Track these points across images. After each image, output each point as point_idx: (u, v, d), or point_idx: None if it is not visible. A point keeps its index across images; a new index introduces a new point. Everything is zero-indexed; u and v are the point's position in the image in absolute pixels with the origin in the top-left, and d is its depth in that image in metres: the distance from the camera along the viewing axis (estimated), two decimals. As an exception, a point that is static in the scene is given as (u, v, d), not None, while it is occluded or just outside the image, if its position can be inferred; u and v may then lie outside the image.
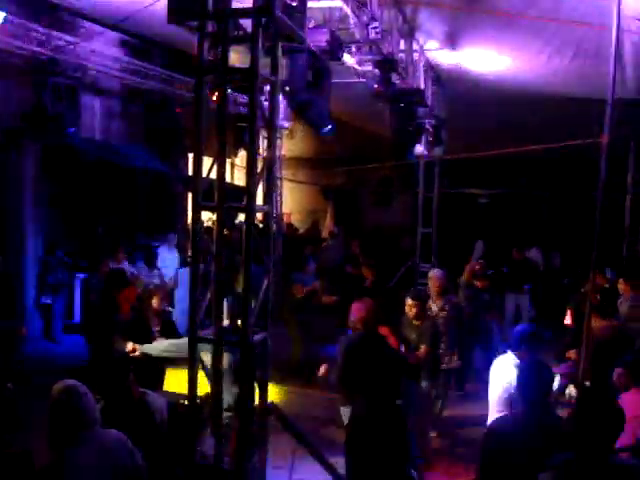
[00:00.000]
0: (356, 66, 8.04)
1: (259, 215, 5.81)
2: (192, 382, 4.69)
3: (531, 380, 4.49)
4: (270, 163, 4.76)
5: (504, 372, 5.61)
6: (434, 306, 8.22)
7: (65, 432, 3.52)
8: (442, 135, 11.01)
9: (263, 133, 6.31)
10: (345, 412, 6.28)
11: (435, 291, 8.31)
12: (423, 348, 7.08)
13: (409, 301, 7.31)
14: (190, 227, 13.41)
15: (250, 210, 4.42)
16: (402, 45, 8.61)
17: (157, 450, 4.33)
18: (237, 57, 4.78)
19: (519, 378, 4.61)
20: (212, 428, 4.83)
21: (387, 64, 7.47)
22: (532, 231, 16.40)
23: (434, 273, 8.63)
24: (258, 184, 4.64)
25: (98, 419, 3.70)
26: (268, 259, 4.80)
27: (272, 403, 5.00)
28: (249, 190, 4.38)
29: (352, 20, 6.83)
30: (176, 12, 4.38)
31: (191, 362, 4.69)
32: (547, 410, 4.46)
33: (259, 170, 4.72)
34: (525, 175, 16.83)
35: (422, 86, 9.68)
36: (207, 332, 4.86)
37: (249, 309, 4.53)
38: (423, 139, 10.10)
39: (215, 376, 4.64)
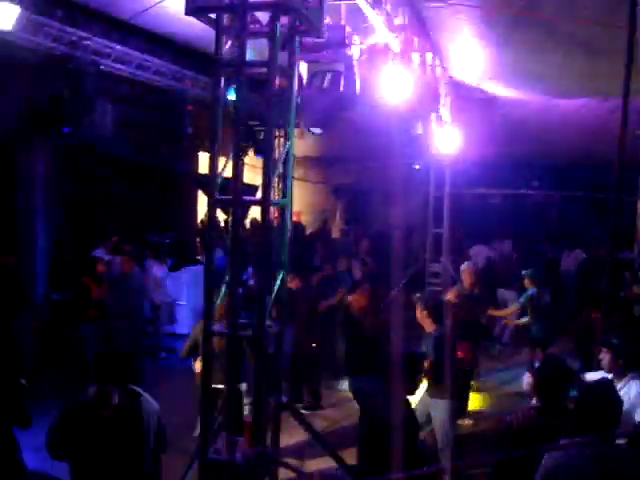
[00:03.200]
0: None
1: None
2: (206, 375, 4.69)
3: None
4: (286, 158, 4.74)
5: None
6: None
7: None
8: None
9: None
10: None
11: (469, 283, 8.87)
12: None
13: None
14: (202, 224, 13.42)
15: (266, 203, 4.39)
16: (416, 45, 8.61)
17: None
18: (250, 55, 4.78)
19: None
20: (225, 423, 4.83)
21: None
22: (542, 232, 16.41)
23: (467, 266, 9.23)
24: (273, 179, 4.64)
25: None
26: (284, 253, 4.79)
27: (286, 398, 4.99)
28: (265, 183, 4.36)
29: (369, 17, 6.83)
30: (194, 4, 4.38)
31: (206, 356, 4.68)
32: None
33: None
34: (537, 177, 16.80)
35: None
36: (219, 327, 4.87)
37: (264, 302, 4.52)
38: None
39: (230, 370, 4.64)
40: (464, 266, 9.46)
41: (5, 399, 4.76)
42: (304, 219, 17.49)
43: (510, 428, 4.58)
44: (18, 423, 4.94)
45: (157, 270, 11.07)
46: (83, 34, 8.66)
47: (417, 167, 11.87)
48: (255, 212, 14.66)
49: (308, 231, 17.18)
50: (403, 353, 5.18)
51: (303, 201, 17.23)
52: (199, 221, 15.83)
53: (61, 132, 9.72)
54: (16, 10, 7.01)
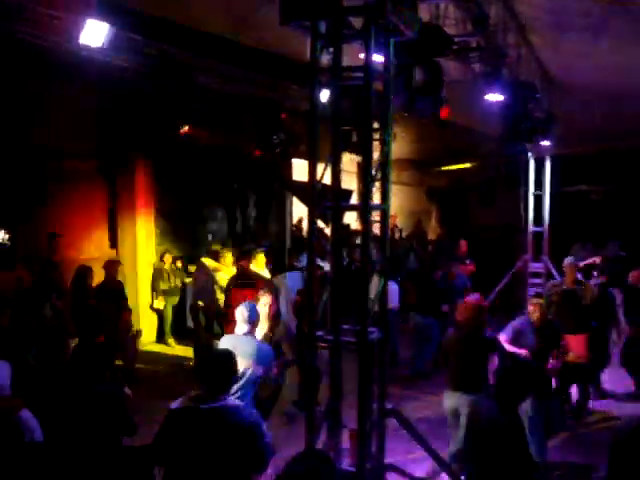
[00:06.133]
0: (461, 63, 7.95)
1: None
2: (309, 381, 4.70)
3: None
4: (385, 162, 4.71)
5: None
6: None
7: None
8: (552, 130, 10.68)
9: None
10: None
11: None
12: None
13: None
14: (299, 230, 13.40)
15: (366, 209, 4.37)
16: (510, 40, 8.42)
17: None
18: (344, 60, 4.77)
19: None
20: (330, 428, 4.83)
21: (496, 57, 7.28)
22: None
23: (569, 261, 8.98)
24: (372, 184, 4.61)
25: None
26: (385, 258, 4.75)
27: (393, 405, 4.94)
28: (366, 189, 4.34)
29: (459, 15, 6.74)
30: (289, 13, 4.40)
31: (310, 362, 4.69)
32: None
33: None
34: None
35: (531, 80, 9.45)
36: (321, 333, 4.86)
37: (367, 308, 4.49)
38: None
39: (334, 375, 4.63)
40: (567, 261, 9.20)
41: (110, 409, 4.85)
42: (398, 222, 17.38)
43: (620, 434, 4.39)
44: (124, 432, 5.04)
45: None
46: (173, 49, 8.80)
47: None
48: (348, 217, 14.69)
49: (404, 234, 17.07)
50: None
51: (397, 204, 17.13)
52: (292, 227, 15.96)
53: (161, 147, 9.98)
54: (105, 27, 7.10)
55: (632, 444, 4.19)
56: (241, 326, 5.88)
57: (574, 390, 8.20)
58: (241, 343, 5.12)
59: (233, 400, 4.29)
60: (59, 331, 5.79)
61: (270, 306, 6.35)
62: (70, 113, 10.02)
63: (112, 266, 9.25)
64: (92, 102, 10.43)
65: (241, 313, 5.96)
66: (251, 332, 5.84)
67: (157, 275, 11.89)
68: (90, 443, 4.63)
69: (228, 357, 4.38)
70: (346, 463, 4.85)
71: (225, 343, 5.64)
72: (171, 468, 4.28)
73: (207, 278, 10.04)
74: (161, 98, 8.96)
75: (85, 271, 8.68)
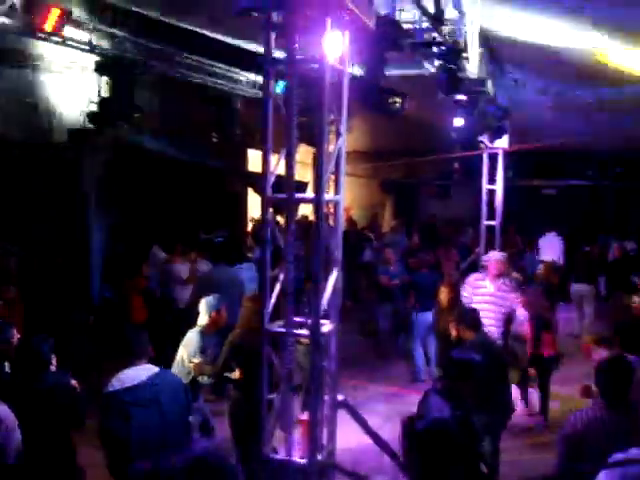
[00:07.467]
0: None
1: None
2: (264, 375, 4.68)
3: (611, 377, 4.38)
4: (339, 154, 4.70)
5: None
6: (492, 286, 8.12)
7: None
8: (505, 125, 10.77)
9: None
10: None
11: (493, 273, 8.21)
12: None
13: None
14: (253, 222, 13.36)
15: (320, 201, 4.36)
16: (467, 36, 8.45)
17: None
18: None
19: (600, 374, 4.49)
20: (282, 422, 4.83)
21: (453, 52, 7.31)
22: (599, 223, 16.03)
23: (493, 256, 8.60)
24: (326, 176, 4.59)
25: None
26: (338, 251, 4.74)
27: (342, 397, 4.95)
28: (319, 181, 4.32)
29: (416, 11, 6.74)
30: (241, 4, 4.35)
31: (263, 356, 4.67)
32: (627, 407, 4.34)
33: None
34: (592, 166, 16.41)
35: (483, 75, 9.49)
36: (274, 325, 4.84)
37: (318, 301, 4.48)
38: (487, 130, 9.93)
39: (286, 369, 4.62)
40: (492, 255, 8.86)
41: (56, 401, 4.76)
42: (354, 214, 17.43)
43: (575, 428, 4.44)
44: (71, 425, 4.95)
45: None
46: (130, 36, 8.65)
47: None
48: (303, 209, 14.67)
49: (359, 226, 17.13)
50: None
51: (352, 196, 17.18)
52: (249, 219, 15.85)
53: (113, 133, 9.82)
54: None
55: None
56: (202, 317, 6.36)
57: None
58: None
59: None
60: (4, 322, 5.66)
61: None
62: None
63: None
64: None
65: (207, 304, 6.32)
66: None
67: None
68: (37, 435, 4.56)
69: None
70: (298, 455, 4.85)
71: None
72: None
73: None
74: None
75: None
